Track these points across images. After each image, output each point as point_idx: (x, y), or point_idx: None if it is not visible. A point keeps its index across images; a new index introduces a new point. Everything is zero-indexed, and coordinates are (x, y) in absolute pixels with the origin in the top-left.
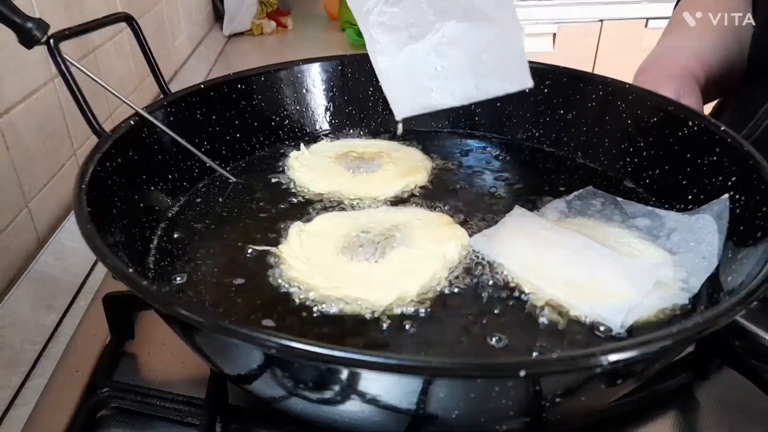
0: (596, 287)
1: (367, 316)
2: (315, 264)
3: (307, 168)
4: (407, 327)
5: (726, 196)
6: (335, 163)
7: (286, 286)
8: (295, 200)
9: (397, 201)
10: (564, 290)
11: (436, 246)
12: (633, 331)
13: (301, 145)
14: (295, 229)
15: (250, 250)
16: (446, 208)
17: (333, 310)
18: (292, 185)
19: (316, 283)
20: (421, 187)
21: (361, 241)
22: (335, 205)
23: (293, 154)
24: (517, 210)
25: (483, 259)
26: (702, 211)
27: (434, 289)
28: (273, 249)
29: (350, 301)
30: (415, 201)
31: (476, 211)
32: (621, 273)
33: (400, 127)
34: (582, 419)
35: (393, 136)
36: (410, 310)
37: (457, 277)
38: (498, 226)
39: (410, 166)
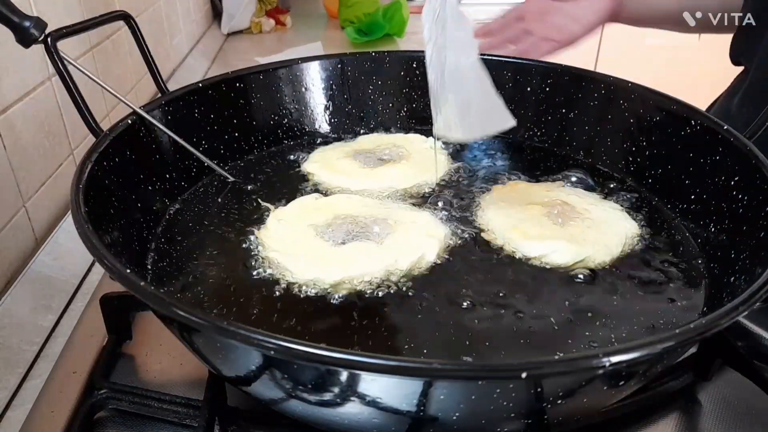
0: None
1: (284, 283)
2: (288, 234)
3: (319, 165)
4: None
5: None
6: (342, 159)
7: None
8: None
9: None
10: None
11: (397, 250)
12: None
13: (314, 151)
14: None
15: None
16: (444, 207)
17: (270, 272)
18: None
19: (276, 251)
20: (421, 187)
21: (340, 225)
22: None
23: (311, 156)
24: None
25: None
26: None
27: (353, 286)
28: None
29: (282, 271)
30: (413, 201)
31: (474, 211)
32: None
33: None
34: (583, 420)
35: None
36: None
37: (389, 285)
38: None
39: (411, 166)
